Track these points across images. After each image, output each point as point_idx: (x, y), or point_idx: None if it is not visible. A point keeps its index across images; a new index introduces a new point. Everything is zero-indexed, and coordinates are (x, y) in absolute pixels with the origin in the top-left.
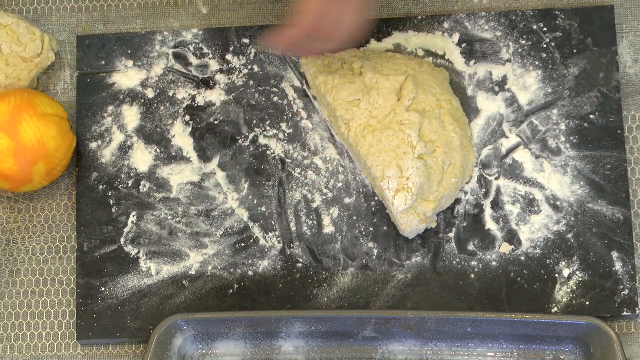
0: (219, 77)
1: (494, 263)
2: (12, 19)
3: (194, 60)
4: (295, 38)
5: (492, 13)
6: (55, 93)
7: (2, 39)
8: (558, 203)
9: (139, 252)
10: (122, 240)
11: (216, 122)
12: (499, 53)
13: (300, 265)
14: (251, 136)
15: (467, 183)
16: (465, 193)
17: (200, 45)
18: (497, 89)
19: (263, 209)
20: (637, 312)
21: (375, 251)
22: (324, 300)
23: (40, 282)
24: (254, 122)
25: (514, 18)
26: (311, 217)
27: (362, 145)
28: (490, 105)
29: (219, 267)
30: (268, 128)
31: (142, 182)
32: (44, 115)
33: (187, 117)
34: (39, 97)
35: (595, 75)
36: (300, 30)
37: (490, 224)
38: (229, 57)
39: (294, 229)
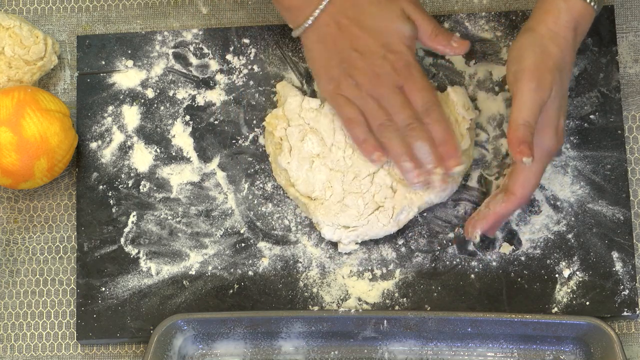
0: (219, 77)
1: (494, 263)
2: (14, 21)
3: (194, 60)
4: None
5: (492, 13)
6: (55, 93)
7: (5, 41)
8: (558, 203)
9: (139, 252)
10: (122, 240)
11: (216, 122)
12: (499, 53)
13: (300, 265)
14: (251, 136)
15: (466, 181)
16: (466, 191)
17: (200, 45)
18: (497, 88)
19: (263, 209)
20: (637, 312)
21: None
22: (324, 300)
23: (40, 282)
24: (254, 122)
25: (514, 18)
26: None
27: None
28: (490, 105)
29: (219, 267)
30: None
31: (142, 182)
32: (47, 111)
33: (187, 117)
34: (42, 93)
35: (595, 75)
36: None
37: None
38: (229, 57)
39: (293, 229)
